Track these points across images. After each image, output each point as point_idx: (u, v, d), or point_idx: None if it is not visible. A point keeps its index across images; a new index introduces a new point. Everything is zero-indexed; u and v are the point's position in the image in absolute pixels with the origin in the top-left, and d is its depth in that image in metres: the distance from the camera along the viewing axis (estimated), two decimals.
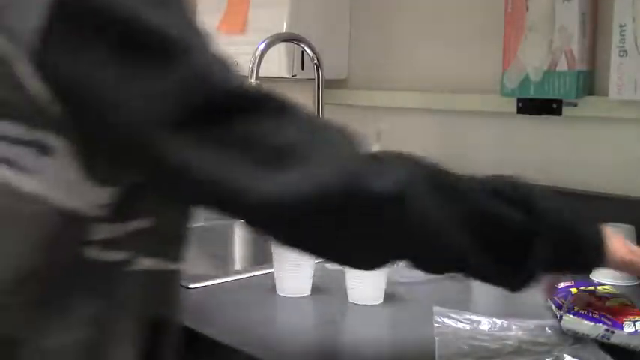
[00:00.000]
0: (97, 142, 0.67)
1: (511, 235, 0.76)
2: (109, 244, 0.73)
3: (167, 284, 0.81)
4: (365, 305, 1.08)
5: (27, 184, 0.69)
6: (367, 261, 0.76)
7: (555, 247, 0.78)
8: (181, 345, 0.86)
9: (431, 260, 0.76)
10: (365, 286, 1.09)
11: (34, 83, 0.66)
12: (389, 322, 1.04)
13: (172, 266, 0.80)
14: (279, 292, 1.13)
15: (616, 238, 0.85)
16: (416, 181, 0.71)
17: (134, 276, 0.76)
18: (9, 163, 0.68)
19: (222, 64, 0.69)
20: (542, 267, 0.78)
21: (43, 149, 0.68)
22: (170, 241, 0.80)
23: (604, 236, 0.83)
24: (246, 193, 0.66)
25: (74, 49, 0.65)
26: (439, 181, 0.74)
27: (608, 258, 0.83)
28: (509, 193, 0.77)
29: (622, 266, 0.85)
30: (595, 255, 0.83)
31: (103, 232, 0.72)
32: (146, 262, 0.76)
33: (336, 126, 0.73)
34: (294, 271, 1.12)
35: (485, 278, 0.79)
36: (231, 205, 0.68)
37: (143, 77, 0.65)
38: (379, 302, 1.09)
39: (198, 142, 0.65)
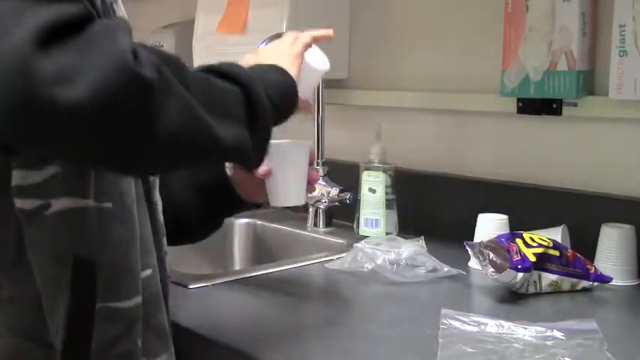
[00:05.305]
0: None
1: (237, 104, 0.79)
2: (25, 190, 0.74)
3: (86, 223, 0.77)
4: (291, 206, 1.07)
5: None
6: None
7: (270, 104, 0.83)
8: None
9: (192, 146, 0.72)
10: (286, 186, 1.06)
11: None
12: (389, 322, 1.04)
13: (91, 203, 0.77)
14: (273, 204, 1.09)
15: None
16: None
17: (52, 218, 0.75)
18: None
19: None
20: (269, 122, 0.83)
21: None
22: (85, 177, 0.77)
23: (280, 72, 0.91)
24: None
25: None
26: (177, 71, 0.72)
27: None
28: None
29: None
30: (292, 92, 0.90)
31: (18, 179, 0.74)
32: (62, 203, 0.75)
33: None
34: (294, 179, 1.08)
35: (236, 152, 0.79)
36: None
37: None
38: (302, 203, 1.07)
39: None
